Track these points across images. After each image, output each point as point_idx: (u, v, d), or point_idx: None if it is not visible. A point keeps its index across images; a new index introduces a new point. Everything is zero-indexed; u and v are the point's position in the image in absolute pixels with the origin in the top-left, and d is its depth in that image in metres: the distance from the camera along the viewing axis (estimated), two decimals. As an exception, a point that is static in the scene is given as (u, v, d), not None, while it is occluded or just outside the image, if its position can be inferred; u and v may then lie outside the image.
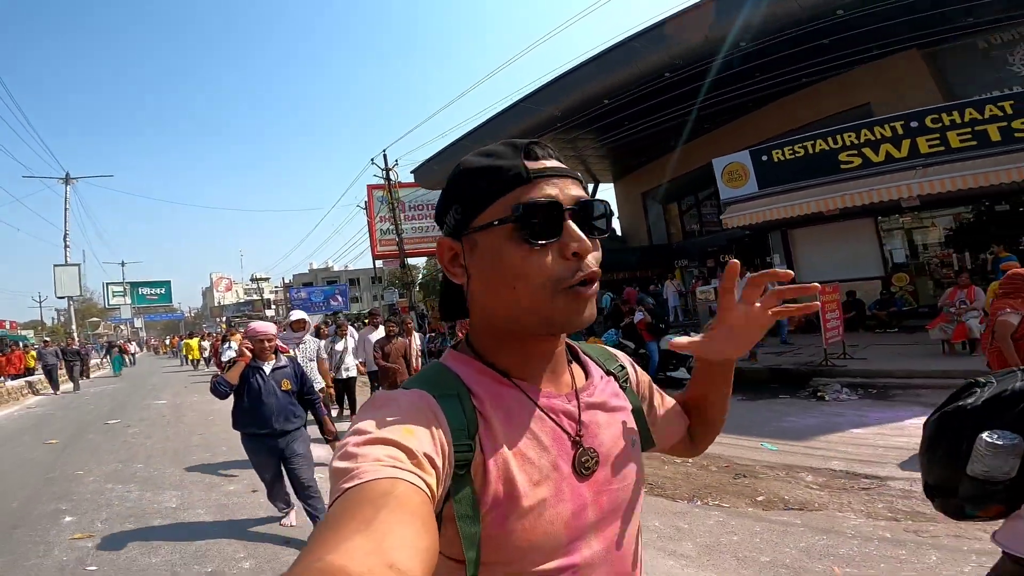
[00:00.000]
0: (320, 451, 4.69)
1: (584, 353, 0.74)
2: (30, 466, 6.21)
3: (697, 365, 0.79)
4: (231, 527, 3.70)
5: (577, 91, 12.22)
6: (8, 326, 30.85)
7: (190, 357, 20.74)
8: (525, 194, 0.58)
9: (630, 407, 0.72)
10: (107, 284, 40.56)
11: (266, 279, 53.88)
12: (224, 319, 44.72)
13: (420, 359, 6.27)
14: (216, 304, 64.29)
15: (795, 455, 4.26)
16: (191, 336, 23.44)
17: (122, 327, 50.09)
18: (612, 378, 0.73)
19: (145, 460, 5.94)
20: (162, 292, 42.60)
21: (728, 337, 0.72)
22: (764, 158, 11.25)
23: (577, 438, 0.62)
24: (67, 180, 26.14)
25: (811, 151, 10.59)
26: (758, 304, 0.70)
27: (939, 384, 5.98)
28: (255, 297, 53.84)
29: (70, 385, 15.89)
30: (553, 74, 12.63)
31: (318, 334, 6.41)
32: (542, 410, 0.62)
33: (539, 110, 12.80)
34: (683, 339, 0.75)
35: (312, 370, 5.10)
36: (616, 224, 21.00)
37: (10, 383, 15.24)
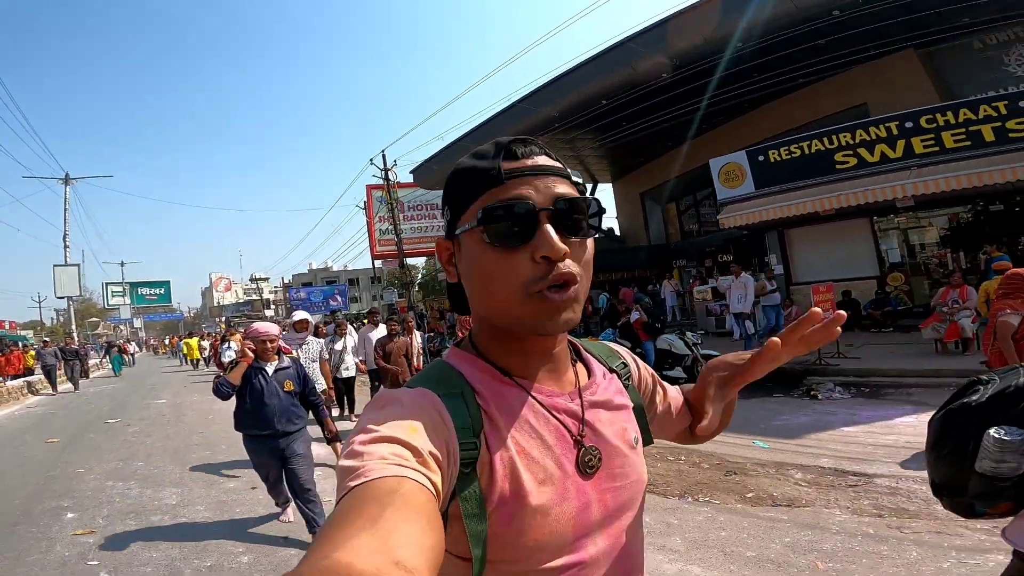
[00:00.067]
0: (319, 450, 4.76)
1: (587, 351, 0.74)
2: (31, 465, 6.27)
3: (710, 380, 0.75)
4: (230, 523, 3.76)
5: (575, 92, 12.28)
6: (8, 326, 30.92)
7: (190, 357, 20.79)
8: (497, 196, 0.57)
9: (632, 405, 0.72)
10: (106, 284, 40.63)
11: (265, 279, 53.97)
12: (223, 319, 44.76)
13: (422, 357, 6.29)
14: (215, 304, 64.32)
15: (786, 453, 4.32)
16: (190, 336, 23.48)
17: (121, 327, 50.10)
18: (615, 376, 0.73)
19: (145, 458, 6.01)
20: (161, 292, 42.66)
21: (764, 369, 0.72)
22: (760, 158, 11.31)
23: (579, 437, 0.62)
24: (67, 180, 26.18)
25: (807, 151, 10.66)
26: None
27: (931, 383, 6.06)
28: (254, 297, 53.90)
29: (69, 386, 15.94)
30: (552, 74, 12.71)
31: (316, 333, 6.45)
32: (545, 409, 0.62)
33: (537, 111, 12.86)
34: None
35: (315, 371, 5.10)
36: (615, 224, 21.11)
37: (10, 383, 15.29)
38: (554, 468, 0.59)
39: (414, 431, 0.50)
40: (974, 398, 1.18)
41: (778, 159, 11.05)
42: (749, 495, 3.54)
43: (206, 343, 20.47)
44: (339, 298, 29.92)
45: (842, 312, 0.67)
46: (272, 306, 48.01)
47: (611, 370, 0.73)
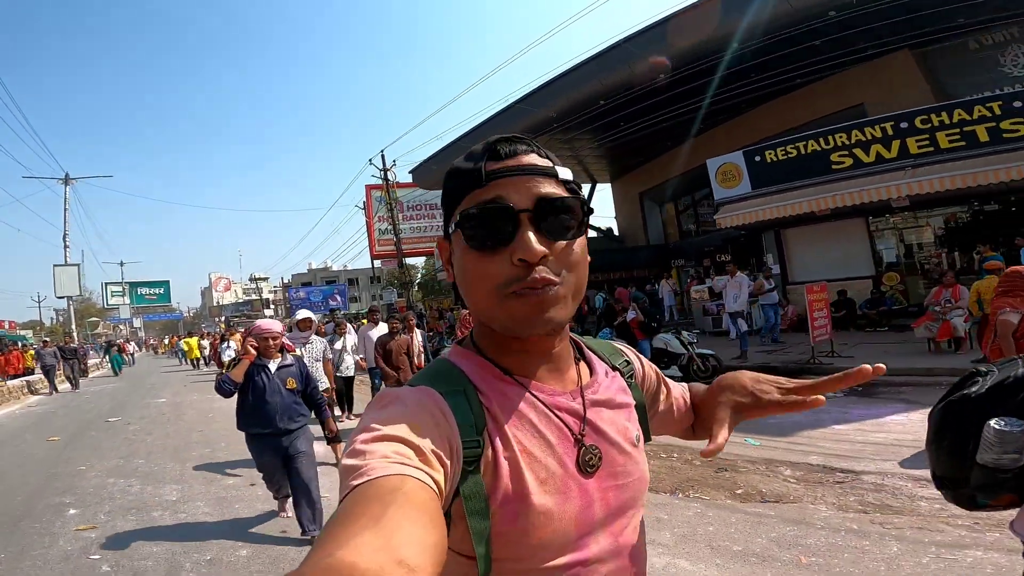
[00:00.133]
0: (318, 448, 4.81)
1: (590, 349, 0.74)
2: (33, 462, 6.34)
3: (724, 402, 0.75)
4: (229, 519, 3.83)
5: (573, 93, 12.35)
6: (7, 326, 31.00)
7: (189, 356, 20.84)
8: (478, 197, 0.57)
9: (634, 403, 0.71)
10: (106, 284, 40.73)
11: (265, 279, 54.06)
12: (223, 319, 44.85)
13: (423, 356, 6.33)
14: (215, 304, 64.41)
15: (777, 450, 4.39)
16: (190, 335, 23.54)
17: (121, 327, 50.19)
18: (618, 374, 0.73)
19: (146, 456, 6.07)
20: (161, 292, 42.73)
21: (786, 411, 0.74)
22: (757, 158, 11.38)
23: (580, 436, 0.62)
24: (67, 181, 26.25)
25: (803, 151, 10.73)
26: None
27: (923, 382, 6.12)
28: (254, 297, 53.97)
29: (67, 386, 16.00)
30: (551, 75, 12.76)
31: (316, 332, 6.48)
32: (547, 408, 0.61)
33: (534, 111, 12.92)
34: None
35: (318, 370, 5.09)
36: (613, 224, 21.18)
37: (10, 383, 15.36)
38: (556, 467, 0.59)
39: (416, 429, 0.50)
40: (973, 389, 1.16)
41: (774, 159, 11.12)
42: (739, 491, 3.61)
43: (206, 343, 20.54)
44: (338, 298, 30.00)
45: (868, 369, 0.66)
46: (271, 306, 48.05)
47: (614, 368, 0.73)
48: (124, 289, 40.30)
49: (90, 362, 23.20)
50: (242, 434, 3.43)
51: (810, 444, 4.45)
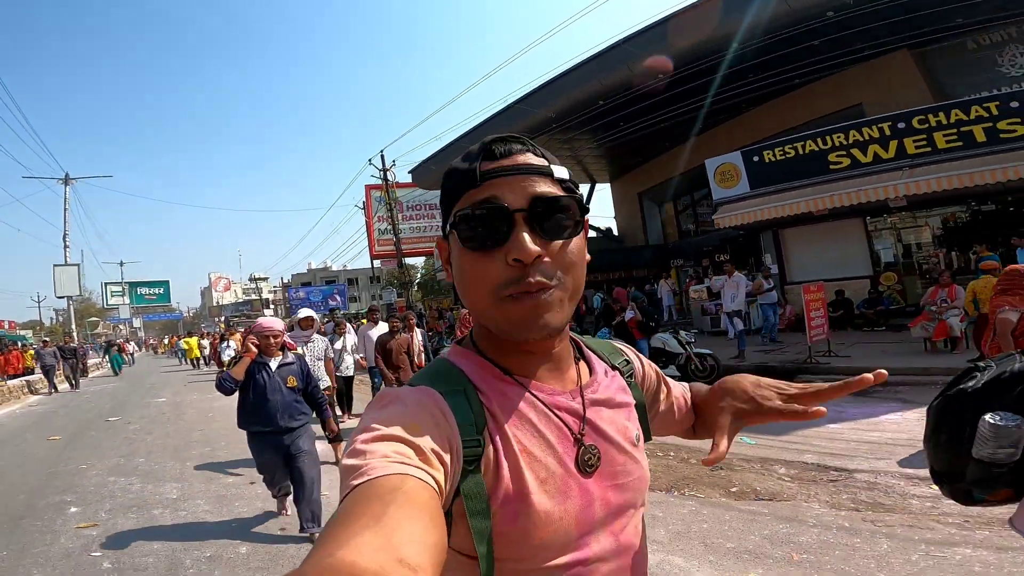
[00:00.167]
0: (319, 447, 4.85)
1: (589, 348, 0.73)
2: (34, 461, 6.37)
3: (725, 408, 0.75)
4: (229, 516, 3.87)
5: (572, 93, 12.37)
6: (7, 326, 31.03)
7: (189, 356, 20.87)
8: (472, 198, 0.57)
9: (634, 402, 0.71)
10: (106, 284, 40.75)
11: (265, 279, 54.10)
12: (223, 319, 44.88)
13: (423, 355, 6.33)
14: (215, 304, 64.45)
15: (772, 448, 4.42)
16: (190, 335, 23.57)
17: (121, 327, 50.23)
18: (617, 373, 0.73)
19: (146, 455, 6.11)
20: (160, 292, 42.76)
21: (786, 419, 0.75)
22: (755, 159, 11.41)
23: (580, 435, 0.62)
24: (66, 181, 26.28)
25: (801, 152, 10.76)
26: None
27: (919, 381, 6.15)
28: (253, 297, 54.01)
29: (66, 386, 16.04)
30: (550, 75, 12.79)
31: (317, 330, 6.48)
32: (546, 407, 0.61)
33: (534, 112, 12.95)
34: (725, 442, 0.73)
35: (319, 368, 5.07)
36: (613, 224, 21.22)
37: (11, 383, 15.40)
38: (556, 466, 0.59)
39: (416, 429, 0.50)
40: (970, 384, 1.17)
41: (772, 159, 11.15)
42: (733, 489, 3.65)
43: (206, 343, 20.57)
44: (338, 298, 30.06)
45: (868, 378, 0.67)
46: (271, 306, 48.07)
47: (613, 367, 0.73)
48: (124, 289, 40.33)
49: (90, 362, 23.25)
50: (242, 433, 3.44)
51: (805, 443, 4.49)
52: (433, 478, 0.47)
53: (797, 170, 10.66)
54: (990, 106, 9.04)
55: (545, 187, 0.58)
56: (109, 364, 22.06)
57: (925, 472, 3.58)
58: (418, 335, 6.31)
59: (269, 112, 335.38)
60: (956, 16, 10.09)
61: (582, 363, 0.70)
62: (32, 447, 7.36)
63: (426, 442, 0.49)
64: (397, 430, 0.49)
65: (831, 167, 10.30)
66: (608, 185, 20.84)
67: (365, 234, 25.37)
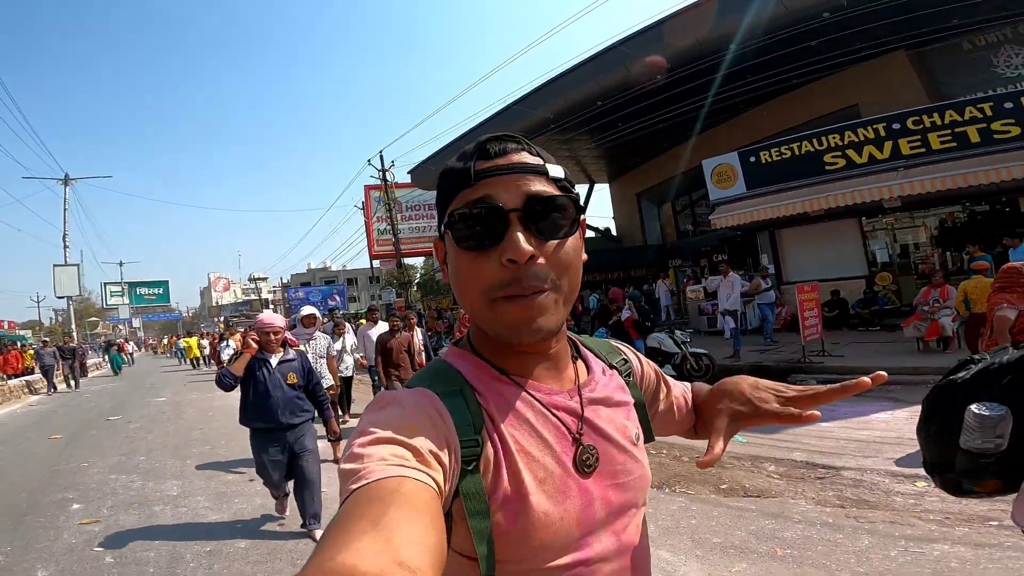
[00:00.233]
0: (319, 444, 4.92)
1: (586, 347, 0.73)
2: (36, 460, 6.45)
3: (723, 410, 0.75)
4: (229, 512, 3.95)
5: (570, 94, 12.43)
6: (6, 326, 31.10)
7: (189, 356, 20.93)
8: (467, 197, 0.57)
9: (633, 401, 0.71)
10: (105, 284, 40.74)
11: (264, 279, 54.11)
12: (222, 319, 44.94)
13: (423, 354, 6.35)
14: (214, 304, 64.52)
15: (763, 447, 4.50)
16: (189, 335, 23.61)
17: (120, 327, 50.30)
18: (615, 372, 0.72)
19: (147, 453, 6.18)
20: (160, 292, 42.76)
21: (783, 422, 0.75)
22: (752, 159, 11.48)
23: (578, 435, 0.61)
24: (66, 181, 26.33)
25: (797, 152, 10.83)
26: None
27: (910, 380, 6.20)
28: (253, 297, 54.02)
29: (64, 386, 16.09)
30: (548, 76, 12.85)
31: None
32: (544, 407, 0.61)
33: (532, 113, 13.01)
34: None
35: (322, 366, 5.06)
36: (611, 224, 21.29)
37: (11, 382, 15.47)
38: (554, 466, 0.58)
39: (413, 430, 0.50)
40: (960, 375, 1.18)
41: (769, 160, 11.22)
42: (723, 486, 3.72)
43: (205, 342, 20.64)
44: (337, 298, 30.14)
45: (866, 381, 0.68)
46: (271, 306, 48.12)
47: (611, 366, 0.73)
48: (123, 289, 40.36)
49: (89, 362, 23.31)
50: (241, 431, 3.48)
51: (795, 441, 4.56)
52: (432, 479, 0.47)
53: (793, 171, 10.73)
54: (984, 107, 9.11)
55: (540, 186, 0.57)
56: (109, 364, 22.12)
57: (910, 470, 3.67)
58: (419, 334, 6.35)
59: (269, 112, 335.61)
60: (953, 16, 10.16)
61: (579, 362, 0.69)
62: (33, 446, 7.43)
63: (424, 443, 0.49)
64: (394, 432, 0.49)
65: (827, 168, 10.37)
66: (607, 185, 20.91)
67: (364, 234, 25.45)
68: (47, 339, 23.94)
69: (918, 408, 1.24)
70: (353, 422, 6.83)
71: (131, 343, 38.07)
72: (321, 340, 5.29)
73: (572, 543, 0.58)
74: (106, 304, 42.65)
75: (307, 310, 5.53)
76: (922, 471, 1.28)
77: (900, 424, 4.72)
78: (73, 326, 26.49)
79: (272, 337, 3.33)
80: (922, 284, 10.19)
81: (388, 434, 0.49)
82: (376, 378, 6.61)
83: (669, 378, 0.84)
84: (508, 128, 13.36)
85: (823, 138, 10.50)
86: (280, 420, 3.24)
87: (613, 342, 0.79)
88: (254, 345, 3.31)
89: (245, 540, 3.39)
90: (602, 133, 14.56)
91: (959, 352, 6.75)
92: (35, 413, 11.49)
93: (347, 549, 0.37)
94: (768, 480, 3.76)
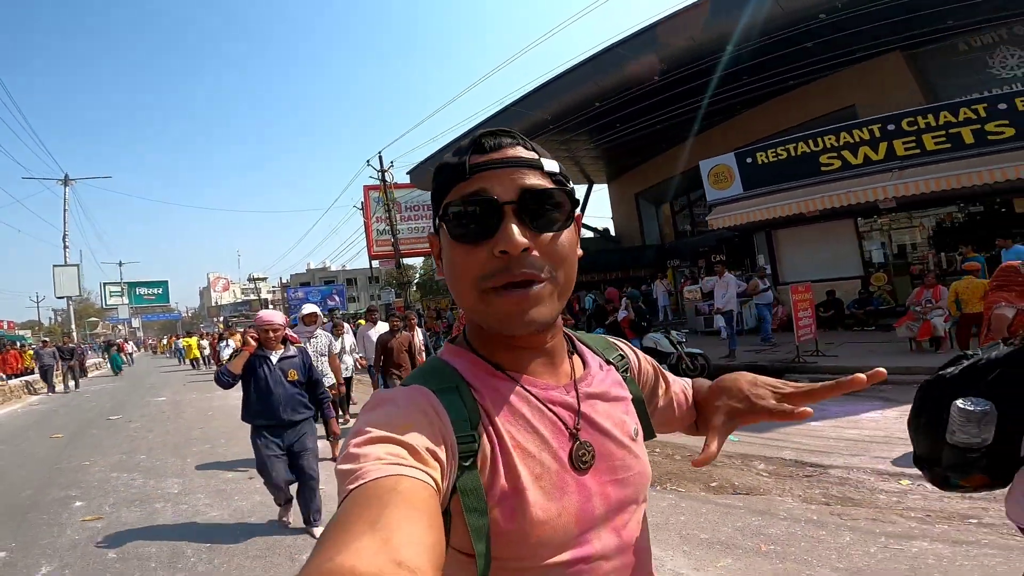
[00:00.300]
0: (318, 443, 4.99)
1: (582, 343, 0.73)
2: (38, 459, 6.52)
3: (720, 408, 0.74)
4: (229, 508, 4.02)
5: (568, 95, 12.50)
6: (6, 326, 31.16)
7: (188, 356, 20.98)
8: (462, 191, 0.57)
9: (631, 397, 0.71)
10: (104, 284, 40.87)
11: (263, 279, 54.14)
12: (221, 319, 44.99)
13: (424, 353, 6.41)
14: (213, 304, 64.58)
15: (753, 445, 4.57)
16: (188, 335, 23.66)
17: (120, 327, 50.33)
18: (612, 367, 0.72)
19: (147, 452, 6.26)
20: (159, 292, 42.89)
21: (778, 419, 0.74)
22: (748, 160, 11.55)
23: (575, 430, 0.61)
24: (66, 181, 26.42)
25: (793, 153, 10.90)
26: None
27: (902, 380, 6.28)
28: (252, 297, 54.09)
29: (62, 387, 16.13)
30: (546, 77, 12.93)
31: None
32: (540, 402, 0.61)
33: (530, 113, 13.08)
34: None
35: (323, 364, 5.09)
36: (610, 224, 21.36)
37: (11, 382, 15.53)
38: (551, 462, 0.58)
39: (409, 428, 0.50)
40: (949, 370, 1.19)
41: (765, 161, 11.29)
42: (713, 484, 3.79)
43: (205, 342, 20.70)
44: (337, 298, 30.20)
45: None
46: (270, 306, 48.20)
47: (608, 362, 0.72)
48: (123, 289, 40.47)
49: (89, 362, 23.37)
50: (241, 431, 3.54)
51: (785, 439, 4.63)
52: (430, 476, 0.47)
53: (789, 172, 10.80)
54: (978, 108, 9.17)
55: (535, 180, 0.57)
56: (109, 364, 22.18)
57: (896, 468, 3.74)
58: (419, 333, 6.41)
59: (269, 112, 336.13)
60: (949, 18, 10.23)
61: (575, 357, 0.69)
62: (35, 445, 7.51)
63: (420, 440, 0.49)
64: (390, 431, 0.49)
65: (822, 169, 10.44)
66: (605, 186, 20.98)
67: (363, 235, 25.52)
68: (47, 339, 23.98)
69: (908, 407, 1.26)
70: (353, 422, 6.90)
71: (131, 343, 38.14)
72: (323, 338, 5.31)
73: (571, 540, 0.57)
74: (106, 304, 42.78)
75: (308, 308, 5.54)
76: (908, 469, 1.32)
77: (890, 423, 4.80)
78: (73, 326, 26.56)
79: (272, 334, 3.33)
80: (917, 285, 10.29)
81: (384, 433, 0.49)
82: (374, 377, 6.65)
83: (668, 374, 0.84)
84: (507, 127, 13.43)
85: (819, 139, 10.57)
86: (281, 417, 3.26)
87: (610, 338, 0.80)
88: (253, 343, 3.32)
89: (245, 536, 3.46)
90: (600, 134, 14.63)
91: (951, 352, 6.82)
92: (35, 413, 11.56)
93: (346, 550, 0.37)
94: (757, 478, 3.84)
